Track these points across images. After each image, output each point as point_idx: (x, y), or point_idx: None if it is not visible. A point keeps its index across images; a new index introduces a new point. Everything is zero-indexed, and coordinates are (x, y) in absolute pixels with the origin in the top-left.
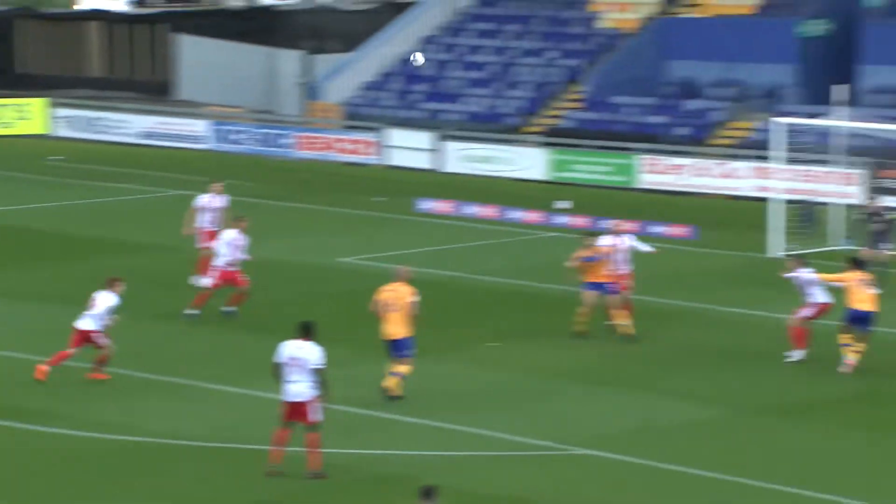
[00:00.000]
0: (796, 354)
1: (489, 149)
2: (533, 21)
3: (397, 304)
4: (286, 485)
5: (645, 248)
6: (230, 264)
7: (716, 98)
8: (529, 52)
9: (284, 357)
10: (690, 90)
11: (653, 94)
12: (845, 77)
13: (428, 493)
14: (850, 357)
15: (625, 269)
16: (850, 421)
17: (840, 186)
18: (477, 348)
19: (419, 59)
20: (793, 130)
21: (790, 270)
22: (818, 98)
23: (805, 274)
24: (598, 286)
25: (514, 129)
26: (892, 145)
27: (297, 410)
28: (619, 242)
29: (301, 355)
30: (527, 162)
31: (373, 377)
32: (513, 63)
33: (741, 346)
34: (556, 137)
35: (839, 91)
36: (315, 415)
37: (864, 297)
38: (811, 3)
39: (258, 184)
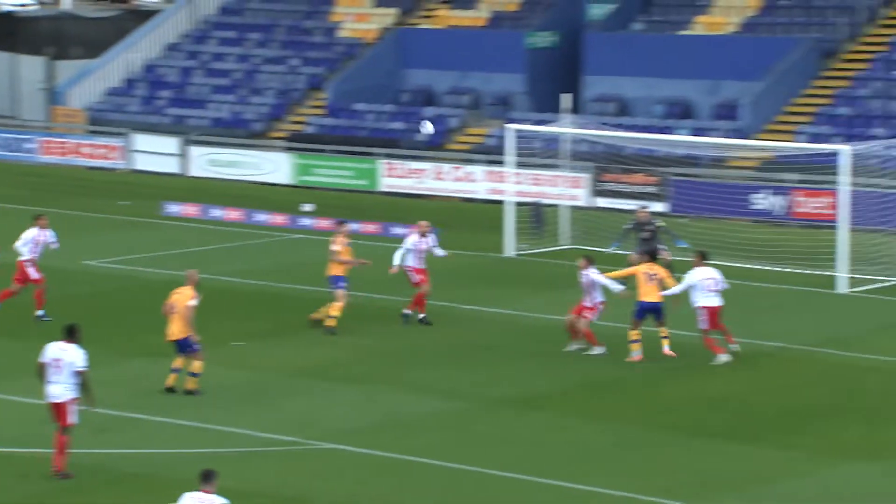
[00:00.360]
0: (597, 350)
1: (234, 153)
2: (275, 30)
3: (178, 306)
4: (30, 486)
5: (440, 252)
6: (29, 262)
7: (451, 105)
8: (272, 60)
9: (47, 358)
10: (427, 97)
11: (392, 101)
12: (571, 86)
13: (207, 476)
14: (636, 352)
15: (421, 267)
16: (576, 410)
17: (567, 189)
18: (223, 348)
19: (429, 128)
20: (523, 136)
21: (581, 269)
22: (546, 106)
23: (593, 274)
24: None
25: (259, 135)
26: (614, 150)
27: (56, 411)
28: (421, 243)
29: (64, 357)
30: (271, 166)
31: (121, 377)
32: (256, 70)
33: (481, 342)
34: (299, 142)
35: (565, 99)
36: (71, 417)
37: (650, 289)
38: (538, 16)
39: (1, 188)
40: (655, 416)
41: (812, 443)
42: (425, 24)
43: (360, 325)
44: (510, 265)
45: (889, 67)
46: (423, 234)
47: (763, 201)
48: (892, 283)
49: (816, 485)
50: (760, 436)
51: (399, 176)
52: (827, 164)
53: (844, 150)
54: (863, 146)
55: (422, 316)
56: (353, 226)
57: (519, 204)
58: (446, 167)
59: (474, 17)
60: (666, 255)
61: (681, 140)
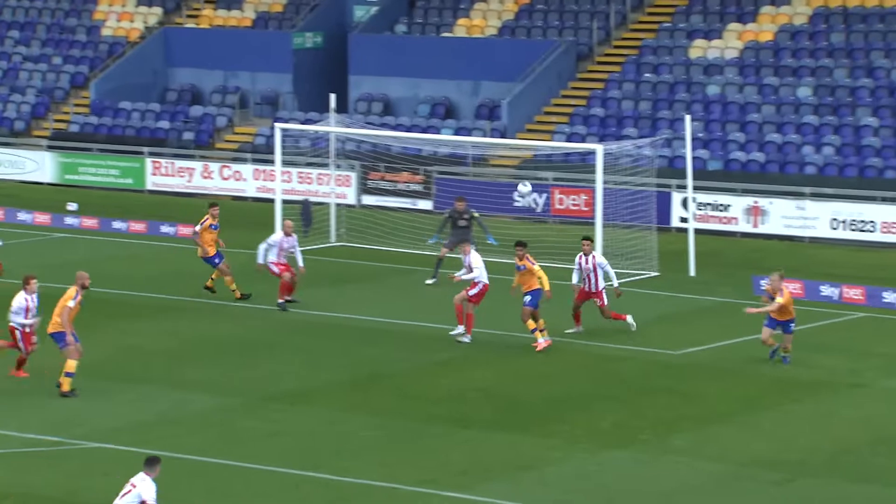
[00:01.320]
0: (459, 329)
1: None
2: (35, 27)
3: (59, 303)
4: None
5: (299, 256)
6: None
7: (218, 104)
8: (33, 58)
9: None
10: (194, 96)
11: (158, 99)
12: (337, 86)
13: (151, 461)
14: (543, 339)
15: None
16: (345, 404)
17: (335, 187)
18: None
19: (525, 188)
20: (291, 135)
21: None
22: (313, 105)
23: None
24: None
25: (21, 134)
26: (380, 149)
27: None
28: (284, 241)
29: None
30: (34, 165)
31: None
32: (17, 68)
33: (253, 338)
34: (63, 141)
35: (332, 99)
36: None
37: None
38: (303, 17)
39: None
40: (424, 407)
41: (570, 431)
42: (190, 24)
43: (131, 324)
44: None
45: (640, 70)
46: (287, 234)
47: (524, 198)
48: (645, 276)
49: (574, 470)
50: (524, 425)
51: (167, 174)
52: (583, 162)
53: (599, 149)
54: (615, 146)
55: (286, 300)
56: (120, 224)
57: (288, 202)
58: (214, 166)
59: (240, 17)
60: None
61: (444, 139)
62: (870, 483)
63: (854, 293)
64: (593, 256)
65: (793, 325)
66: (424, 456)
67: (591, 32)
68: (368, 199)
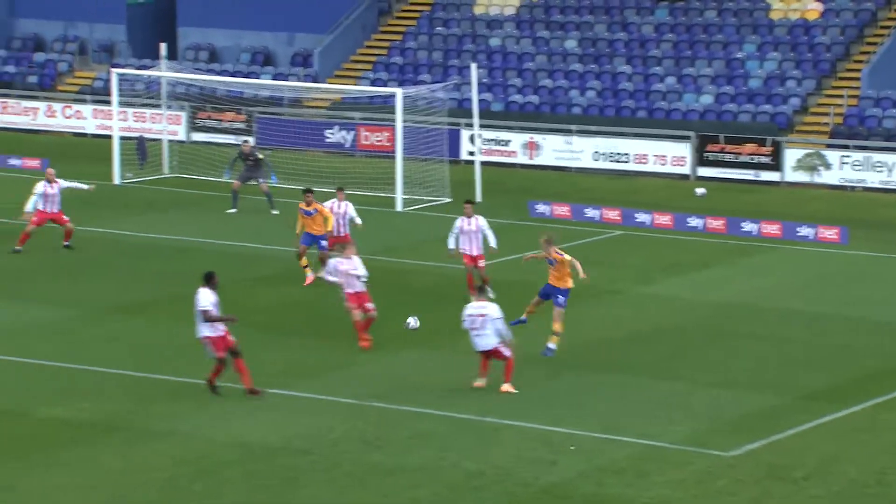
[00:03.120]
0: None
1: None
2: None
3: None
4: None
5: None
6: None
7: (59, 52)
8: None
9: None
10: (38, 44)
11: (4, 47)
12: (168, 36)
13: (209, 277)
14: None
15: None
16: (170, 315)
17: (167, 126)
18: None
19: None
20: (126, 80)
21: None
22: (147, 53)
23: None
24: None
25: None
26: (207, 92)
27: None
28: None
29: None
30: None
31: None
32: None
33: (90, 258)
34: None
35: (163, 48)
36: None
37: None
38: None
39: None
40: (245, 317)
41: (375, 335)
42: None
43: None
44: (118, 192)
45: (432, 24)
46: (49, 181)
47: (334, 135)
48: (438, 202)
49: (379, 370)
50: (331, 332)
51: (13, 113)
52: (385, 104)
53: (398, 93)
54: (413, 90)
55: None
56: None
57: (124, 139)
58: (57, 106)
59: None
60: (263, 185)
61: (264, 83)
62: (620, 373)
63: (612, 214)
64: (476, 219)
65: (564, 297)
66: (248, 359)
67: None
68: (197, 136)
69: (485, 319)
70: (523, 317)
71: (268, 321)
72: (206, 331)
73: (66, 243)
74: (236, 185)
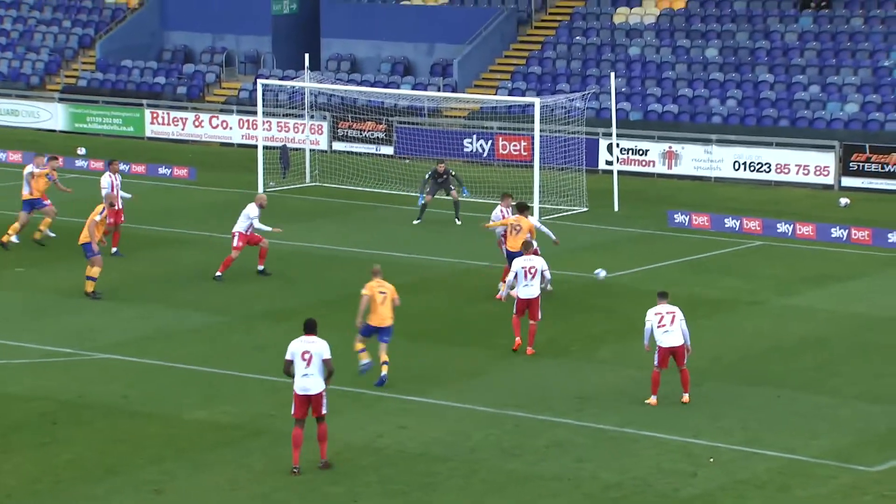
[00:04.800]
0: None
1: (14, 104)
2: None
3: (88, 219)
4: None
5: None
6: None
7: (207, 63)
8: (46, 22)
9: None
10: (187, 56)
11: (155, 58)
12: (311, 47)
13: (309, 325)
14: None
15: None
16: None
17: (309, 135)
18: (5, 274)
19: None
20: (271, 90)
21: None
22: (290, 64)
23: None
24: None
25: (36, 87)
26: (348, 102)
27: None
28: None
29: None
30: (48, 115)
31: None
32: (32, 30)
33: (239, 265)
34: (73, 94)
35: (306, 59)
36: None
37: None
38: None
39: None
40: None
41: (509, 343)
42: None
43: (132, 252)
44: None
45: (571, 34)
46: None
47: (472, 145)
48: (576, 211)
49: (516, 376)
50: (468, 338)
51: (163, 124)
52: (523, 113)
53: (536, 102)
54: (551, 99)
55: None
56: (123, 167)
57: (268, 148)
58: (204, 116)
59: None
60: (454, 193)
61: (404, 93)
62: (762, 385)
63: (752, 225)
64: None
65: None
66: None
67: (530, 1)
68: (338, 146)
69: (672, 317)
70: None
71: (406, 328)
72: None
73: (260, 267)
74: (428, 200)
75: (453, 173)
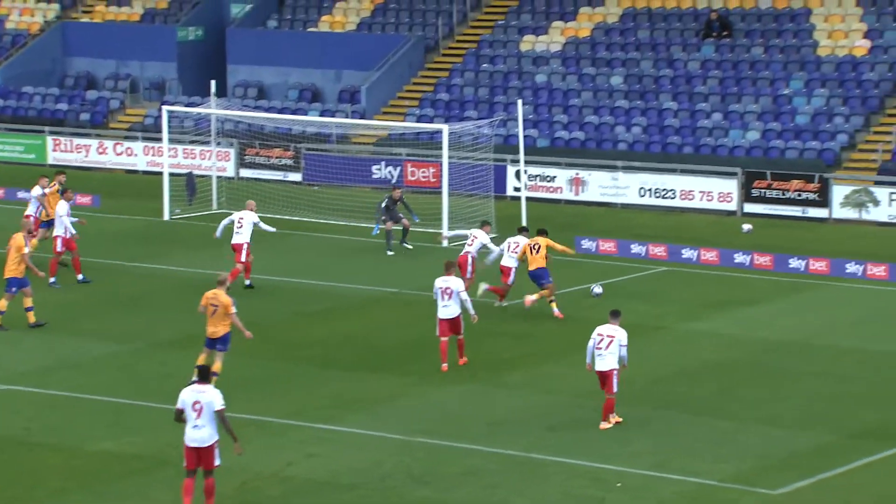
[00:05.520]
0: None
1: None
2: None
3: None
4: None
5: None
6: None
7: (111, 89)
8: None
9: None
10: (90, 82)
11: (58, 85)
12: (217, 74)
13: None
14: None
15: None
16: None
17: (216, 162)
18: None
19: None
20: (176, 116)
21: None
22: (196, 91)
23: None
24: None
25: None
26: (255, 129)
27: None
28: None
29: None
30: None
31: None
32: None
33: (142, 292)
34: None
35: (212, 85)
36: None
37: (536, 258)
38: (186, 13)
39: None
40: (294, 351)
41: (421, 370)
42: (85, 18)
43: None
44: (168, 228)
45: (479, 61)
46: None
47: (381, 171)
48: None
49: (425, 403)
50: (381, 365)
51: (66, 151)
52: (431, 140)
53: (444, 129)
54: (458, 126)
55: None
56: (24, 194)
57: (174, 175)
58: (109, 143)
59: (129, 12)
60: (405, 221)
61: (311, 120)
62: (669, 409)
63: (658, 250)
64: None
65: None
66: (293, 393)
67: (437, 28)
68: (246, 172)
69: (610, 341)
70: None
71: (318, 355)
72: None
73: (247, 282)
74: (389, 227)
75: (404, 200)
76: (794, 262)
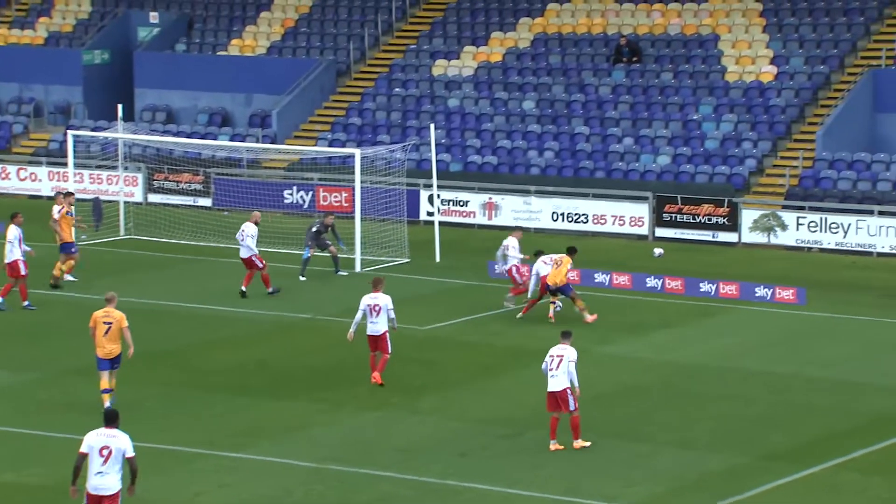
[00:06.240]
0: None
1: None
2: None
3: None
4: None
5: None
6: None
7: (15, 113)
8: None
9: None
10: None
11: None
12: (124, 98)
13: (110, 416)
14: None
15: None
16: (133, 377)
17: (123, 187)
18: None
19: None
20: (82, 141)
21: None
22: (103, 115)
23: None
24: None
25: None
26: (164, 153)
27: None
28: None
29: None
30: None
31: None
32: None
33: (46, 321)
34: None
35: (119, 109)
36: None
37: (556, 272)
38: (92, 36)
39: None
40: (203, 378)
41: (333, 396)
42: None
43: None
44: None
45: (391, 85)
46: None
47: (293, 196)
48: (398, 262)
49: (337, 430)
50: (292, 392)
51: None
52: (344, 165)
53: (357, 153)
54: (371, 150)
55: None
56: None
57: (80, 200)
58: (11, 168)
59: (32, 35)
60: (332, 248)
61: (221, 144)
62: (584, 432)
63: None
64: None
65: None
66: (203, 421)
67: (349, 52)
68: (154, 198)
69: (560, 360)
70: None
71: (227, 382)
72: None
73: (243, 289)
74: (333, 251)
75: (335, 228)
76: (705, 286)
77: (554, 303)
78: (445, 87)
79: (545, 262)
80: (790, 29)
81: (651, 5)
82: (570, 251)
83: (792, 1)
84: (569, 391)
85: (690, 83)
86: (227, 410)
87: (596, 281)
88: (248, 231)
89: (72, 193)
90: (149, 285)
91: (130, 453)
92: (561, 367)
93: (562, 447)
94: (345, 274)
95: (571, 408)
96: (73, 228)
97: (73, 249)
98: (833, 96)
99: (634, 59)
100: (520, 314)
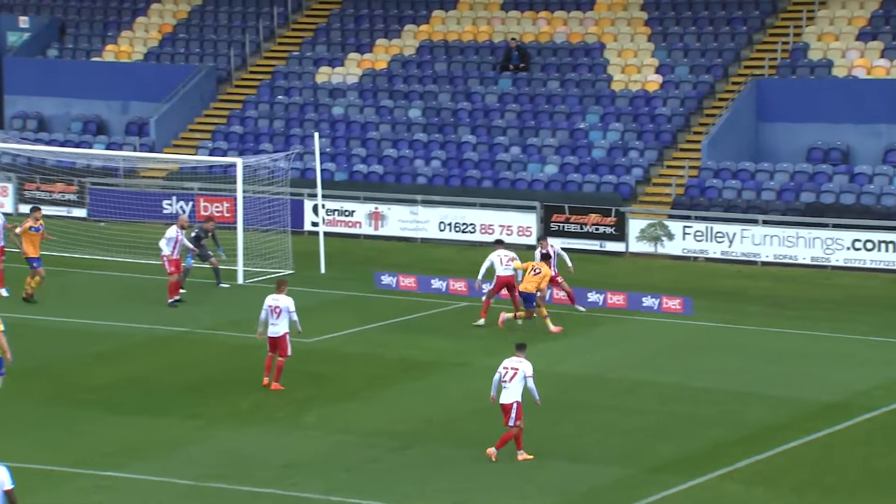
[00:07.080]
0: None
1: None
2: None
3: None
4: None
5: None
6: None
7: None
8: None
9: None
10: None
11: None
12: None
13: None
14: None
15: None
16: (9, 393)
17: None
18: None
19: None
20: None
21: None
22: None
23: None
24: None
25: None
26: (36, 162)
27: None
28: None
29: None
30: None
31: None
32: None
33: None
34: None
35: None
36: None
37: (530, 279)
38: None
39: None
40: (76, 395)
41: (212, 412)
42: None
43: None
44: None
45: (273, 93)
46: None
47: (172, 206)
48: (282, 274)
49: (217, 447)
50: (168, 408)
51: None
52: (225, 174)
53: (238, 163)
54: (253, 159)
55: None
56: None
57: None
58: None
59: None
60: (213, 260)
61: (96, 153)
62: (471, 447)
63: (459, 286)
64: (552, 246)
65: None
66: (75, 439)
67: (230, 59)
68: (25, 208)
69: (514, 373)
70: None
71: (102, 399)
72: None
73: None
74: (214, 262)
75: (215, 234)
76: (593, 296)
77: (518, 318)
78: (330, 95)
79: (503, 263)
80: (675, 38)
81: (537, 13)
82: (545, 258)
83: (676, 10)
84: (516, 405)
85: (577, 92)
86: (101, 428)
87: (483, 292)
88: (167, 233)
89: (38, 209)
90: (14, 298)
91: (8, 486)
92: (514, 380)
93: (530, 457)
94: (227, 286)
95: (512, 423)
96: (38, 244)
97: (34, 264)
98: (718, 105)
99: (521, 66)
100: (481, 320)
